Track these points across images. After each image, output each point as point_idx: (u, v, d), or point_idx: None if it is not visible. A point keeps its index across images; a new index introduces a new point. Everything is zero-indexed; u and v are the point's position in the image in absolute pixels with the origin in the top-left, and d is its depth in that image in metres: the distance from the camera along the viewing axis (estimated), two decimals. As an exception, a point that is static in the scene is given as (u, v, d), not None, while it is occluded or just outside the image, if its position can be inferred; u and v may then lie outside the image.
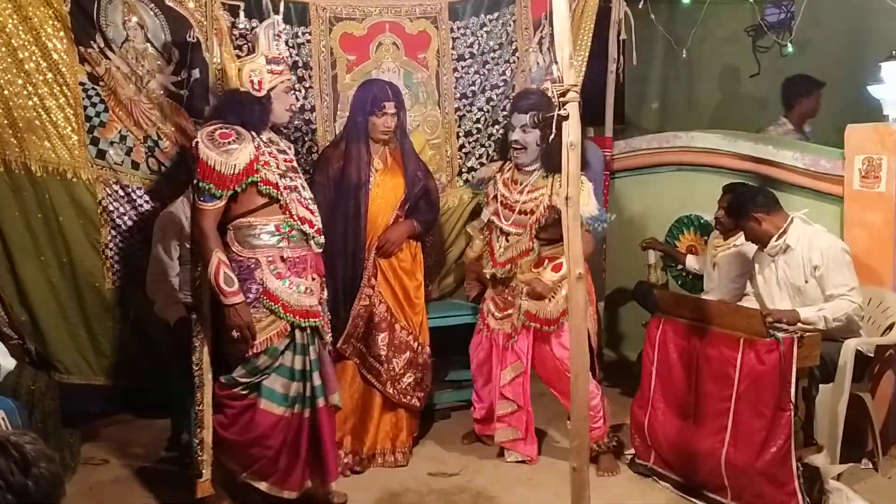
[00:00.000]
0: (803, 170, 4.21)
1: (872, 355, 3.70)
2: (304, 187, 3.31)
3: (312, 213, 3.27)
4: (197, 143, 3.06)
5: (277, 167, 3.18)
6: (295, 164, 3.34)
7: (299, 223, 3.18)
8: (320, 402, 3.25)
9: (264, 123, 3.21)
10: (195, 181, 3.05)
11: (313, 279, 3.25)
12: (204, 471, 3.18)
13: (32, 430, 3.29)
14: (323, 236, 3.30)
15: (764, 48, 5.94)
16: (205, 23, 4.10)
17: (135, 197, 4.11)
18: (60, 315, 4.05)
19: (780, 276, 3.71)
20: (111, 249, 4.12)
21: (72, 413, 3.85)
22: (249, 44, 3.22)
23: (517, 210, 3.83)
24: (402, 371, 3.89)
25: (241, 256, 3.11)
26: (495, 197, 3.91)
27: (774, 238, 3.68)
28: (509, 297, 3.89)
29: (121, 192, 4.09)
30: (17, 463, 1.45)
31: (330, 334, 3.41)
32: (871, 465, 3.70)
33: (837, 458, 3.46)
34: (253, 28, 3.27)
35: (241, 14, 3.37)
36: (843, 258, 3.58)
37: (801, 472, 3.16)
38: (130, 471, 3.79)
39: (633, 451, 3.79)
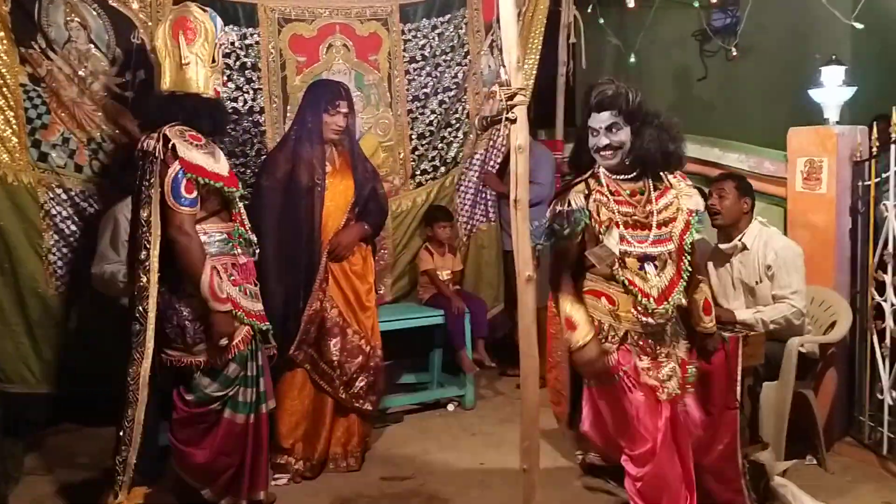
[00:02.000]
0: (748, 171, 4.30)
1: (817, 354, 3.79)
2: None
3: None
4: (173, 144, 2.95)
5: None
6: None
7: (247, 231, 3.20)
8: (263, 407, 3.23)
9: (225, 133, 3.27)
10: (175, 184, 2.94)
11: (256, 284, 3.26)
12: (121, 493, 3.06)
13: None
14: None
15: (710, 52, 6.04)
16: (150, 24, 4.05)
17: (78, 201, 4.03)
18: (2, 322, 3.95)
19: (735, 275, 3.77)
20: (54, 255, 4.02)
21: (14, 423, 3.76)
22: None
23: (654, 224, 2.88)
24: (354, 376, 3.86)
25: None
26: (610, 220, 2.87)
27: (735, 239, 3.73)
28: (658, 345, 2.91)
29: (64, 196, 4.00)
30: None
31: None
32: (815, 462, 3.78)
33: (783, 454, 3.53)
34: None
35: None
36: (795, 261, 3.65)
37: (747, 469, 3.21)
38: (76, 481, 3.71)
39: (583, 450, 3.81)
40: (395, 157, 4.86)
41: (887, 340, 3.69)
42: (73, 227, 4.03)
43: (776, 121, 4.68)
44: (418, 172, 4.95)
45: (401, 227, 4.88)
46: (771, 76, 5.44)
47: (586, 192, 2.94)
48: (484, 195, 5.11)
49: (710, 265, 3.87)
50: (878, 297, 3.76)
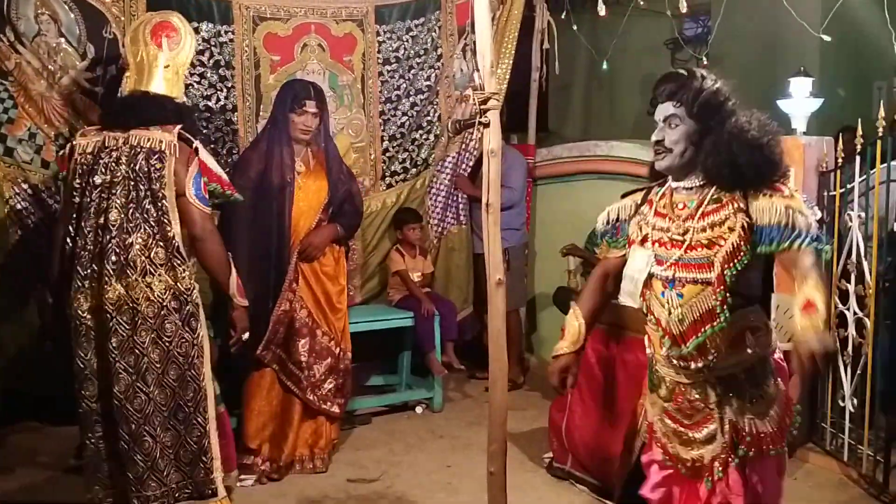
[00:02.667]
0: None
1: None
2: None
3: None
4: (196, 147, 2.97)
5: None
6: None
7: None
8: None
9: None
10: (197, 183, 2.94)
11: None
12: (220, 488, 2.96)
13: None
14: None
15: (682, 61, 6.12)
16: (123, 18, 4.01)
17: (44, 196, 3.97)
18: (-36, 319, 3.88)
19: None
20: (19, 250, 3.96)
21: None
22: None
23: (687, 244, 2.28)
24: (322, 377, 3.84)
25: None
26: (646, 238, 2.39)
27: None
28: (699, 402, 2.32)
29: (30, 192, 3.94)
30: None
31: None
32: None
33: (746, 459, 3.57)
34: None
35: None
36: None
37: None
38: (37, 480, 3.66)
39: (551, 454, 3.84)
40: (367, 158, 4.86)
41: (849, 349, 3.75)
42: (39, 223, 3.97)
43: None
44: (389, 174, 4.95)
45: (370, 228, 4.87)
46: (740, 86, 5.50)
47: (639, 200, 2.49)
48: (455, 198, 5.12)
49: None
50: (841, 306, 3.82)
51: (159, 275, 2.86)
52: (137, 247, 2.84)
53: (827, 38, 4.20)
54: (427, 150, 5.02)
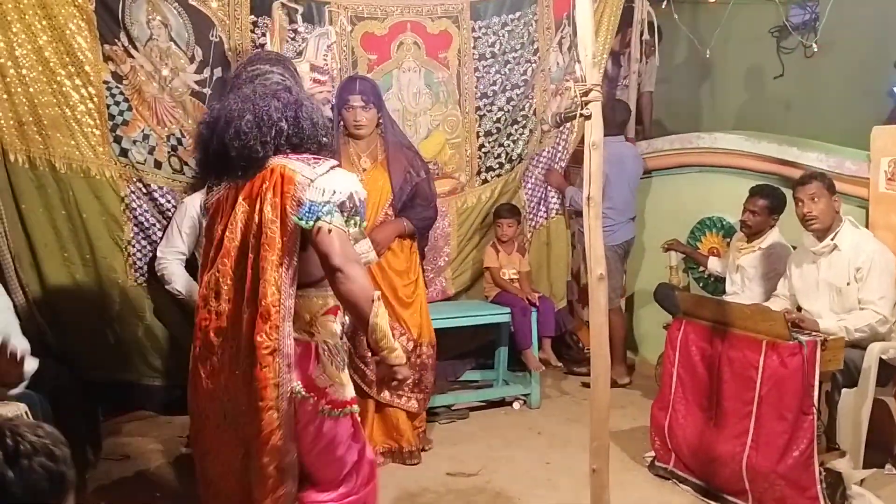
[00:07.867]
0: (828, 172, 4.16)
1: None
2: None
3: None
4: None
5: None
6: None
7: None
8: None
9: None
10: None
11: None
12: None
13: (54, 425, 3.34)
14: None
15: (788, 49, 5.89)
16: (227, 22, 4.14)
17: (157, 196, 4.12)
18: (83, 311, 4.07)
19: (822, 275, 3.67)
20: (133, 247, 4.14)
21: (93, 409, 3.88)
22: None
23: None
24: None
25: None
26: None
27: (827, 238, 3.63)
28: None
29: (143, 190, 4.11)
30: (7, 452, 1.39)
31: None
32: (894, 471, 3.65)
33: (860, 463, 3.42)
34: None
35: (299, 17, 3.72)
36: (886, 266, 3.54)
37: (823, 477, 3.13)
38: (150, 467, 3.81)
39: (652, 453, 3.77)
40: (462, 155, 4.86)
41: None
42: (153, 220, 4.14)
43: (858, 119, 4.53)
44: (484, 169, 4.94)
45: (465, 224, 4.88)
46: (853, 73, 5.27)
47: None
48: (549, 191, 5.08)
49: (792, 265, 3.79)
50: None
51: None
52: None
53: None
54: (522, 145, 4.99)
